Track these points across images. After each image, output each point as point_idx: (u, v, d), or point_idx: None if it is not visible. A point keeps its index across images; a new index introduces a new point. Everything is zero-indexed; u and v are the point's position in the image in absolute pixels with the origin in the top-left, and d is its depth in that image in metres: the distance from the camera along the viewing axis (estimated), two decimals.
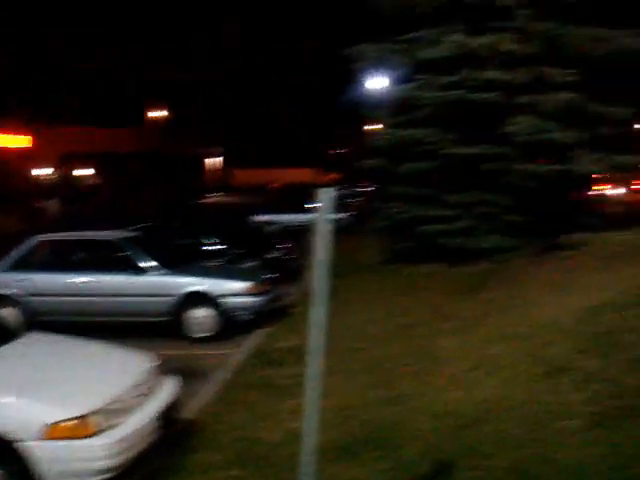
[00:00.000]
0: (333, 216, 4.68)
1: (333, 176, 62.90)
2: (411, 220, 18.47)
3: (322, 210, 4.62)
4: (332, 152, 79.65)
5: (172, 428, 7.50)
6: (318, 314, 4.66)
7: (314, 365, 4.70)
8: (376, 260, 20.54)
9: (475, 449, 6.89)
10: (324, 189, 4.65)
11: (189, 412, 8.66)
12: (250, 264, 17.00)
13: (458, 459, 6.71)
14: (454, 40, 17.80)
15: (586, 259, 15.39)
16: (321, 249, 4.63)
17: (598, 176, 20.26)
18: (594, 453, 6.46)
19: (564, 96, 18.04)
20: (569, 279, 13.63)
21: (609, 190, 43.49)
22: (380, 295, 16.08)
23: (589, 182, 20.31)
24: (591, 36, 18.45)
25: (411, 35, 19.43)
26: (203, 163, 71.78)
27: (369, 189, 37.13)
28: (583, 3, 18.28)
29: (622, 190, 46.68)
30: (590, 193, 22.13)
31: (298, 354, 11.11)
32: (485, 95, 17.39)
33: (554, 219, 18.59)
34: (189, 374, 9.79)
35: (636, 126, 27.03)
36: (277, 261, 18.54)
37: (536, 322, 10.94)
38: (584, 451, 6.54)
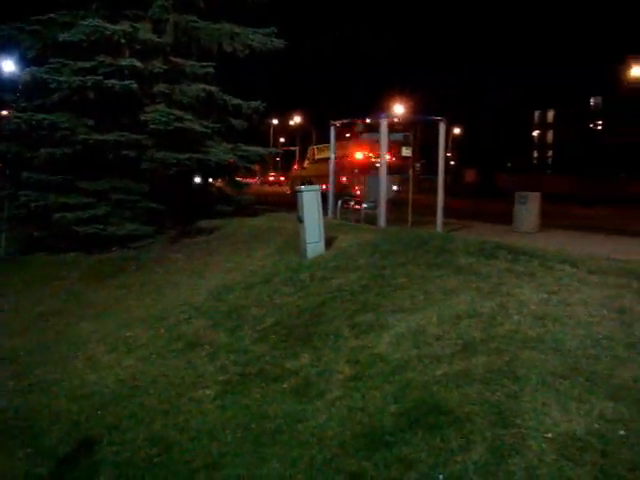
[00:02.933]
0: None
1: None
2: (46, 208, 17.78)
3: None
4: None
5: None
6: None
7: None
8: (9, 251, 19.56)
9: (116, 425, 7.16)
10: None
11: None
12: None
13: (99, 437, 6.93)
14: (90, 24, 17.49)
15: (220, 243, 16.33)
16: None
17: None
18: (225, 416, 7.10)
19: (199, 87, 18.87)
20: (203, 262, 14.43)
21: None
22: (14, 286, 15.48)
23: (225, 171, 21.28)
24: (225, 31, 19.53)
25: (46, 16, 18.74)
26: None
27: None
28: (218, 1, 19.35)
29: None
30: (223, 181, 23.24)
31: None
32: (122, 82, 17.42)
33: (191, 206, 19.36)
34: None
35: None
36: None
37: (171, 303, 11.51)
38: (217, 416, 7.16)
